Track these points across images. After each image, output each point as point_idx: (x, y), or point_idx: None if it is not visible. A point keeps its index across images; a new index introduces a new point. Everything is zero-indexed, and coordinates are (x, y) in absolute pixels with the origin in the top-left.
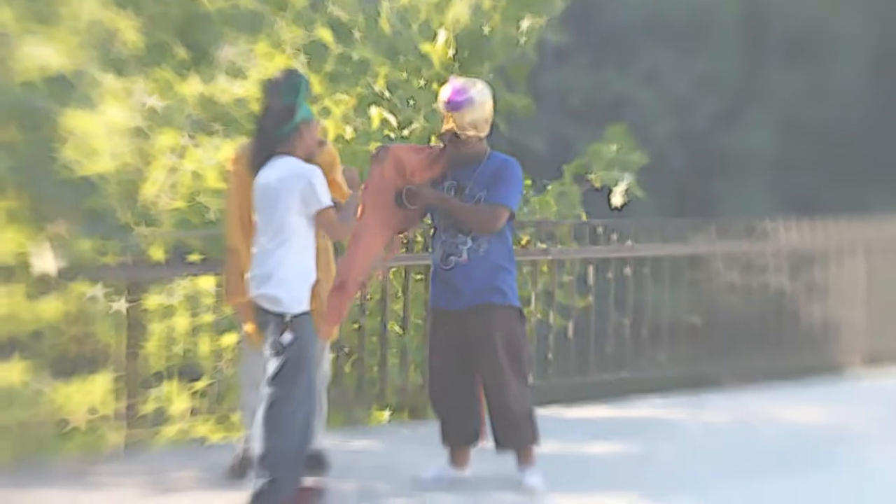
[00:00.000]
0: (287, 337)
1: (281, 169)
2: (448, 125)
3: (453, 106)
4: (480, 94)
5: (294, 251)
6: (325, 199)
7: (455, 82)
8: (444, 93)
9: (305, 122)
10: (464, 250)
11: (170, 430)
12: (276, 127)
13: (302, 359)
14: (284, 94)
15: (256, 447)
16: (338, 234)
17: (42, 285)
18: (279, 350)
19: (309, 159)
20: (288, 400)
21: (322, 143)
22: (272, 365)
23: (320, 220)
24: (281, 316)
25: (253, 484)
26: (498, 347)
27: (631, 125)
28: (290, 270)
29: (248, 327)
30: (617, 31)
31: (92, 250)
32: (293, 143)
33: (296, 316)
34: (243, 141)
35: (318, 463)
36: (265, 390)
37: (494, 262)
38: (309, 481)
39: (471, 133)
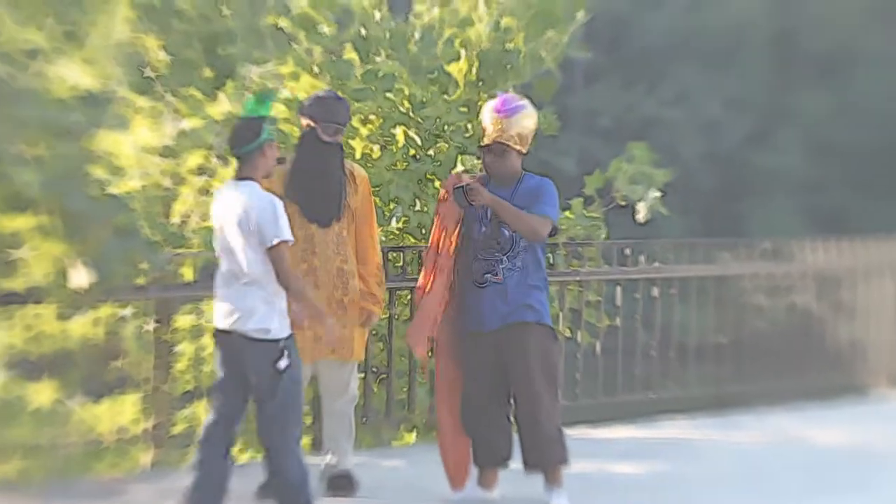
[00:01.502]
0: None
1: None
2: (493, 135)
3: (504, 113)
4: (528, 106)
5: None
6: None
7: (504, 94)
8: (494, 102)
9: (269, 143)
10: (500, 269)
11: None
12: (238, 145)
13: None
14: (251, 109)
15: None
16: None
17: (73, 305)
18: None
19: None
20: (278, 426)
21: (281, 161)
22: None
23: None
24: None
25: None
26: (532, 365)
27: (660, 146)
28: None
29: None
30: (646, 52)
31: (123, 270)
32: (255, 164)
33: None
34: None
35: (346, 483)
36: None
37: (528, 282)
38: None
39: (514, 145)
